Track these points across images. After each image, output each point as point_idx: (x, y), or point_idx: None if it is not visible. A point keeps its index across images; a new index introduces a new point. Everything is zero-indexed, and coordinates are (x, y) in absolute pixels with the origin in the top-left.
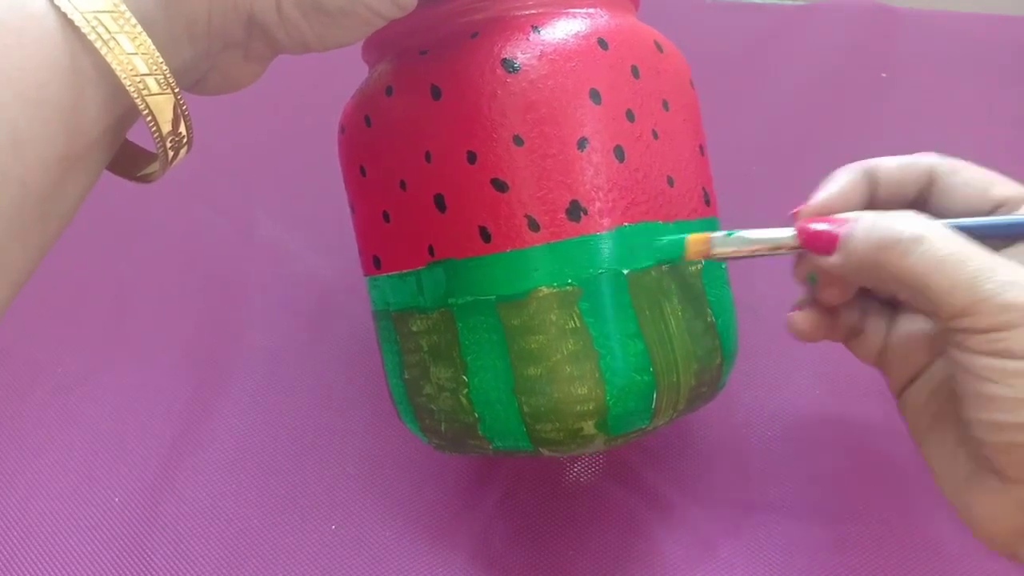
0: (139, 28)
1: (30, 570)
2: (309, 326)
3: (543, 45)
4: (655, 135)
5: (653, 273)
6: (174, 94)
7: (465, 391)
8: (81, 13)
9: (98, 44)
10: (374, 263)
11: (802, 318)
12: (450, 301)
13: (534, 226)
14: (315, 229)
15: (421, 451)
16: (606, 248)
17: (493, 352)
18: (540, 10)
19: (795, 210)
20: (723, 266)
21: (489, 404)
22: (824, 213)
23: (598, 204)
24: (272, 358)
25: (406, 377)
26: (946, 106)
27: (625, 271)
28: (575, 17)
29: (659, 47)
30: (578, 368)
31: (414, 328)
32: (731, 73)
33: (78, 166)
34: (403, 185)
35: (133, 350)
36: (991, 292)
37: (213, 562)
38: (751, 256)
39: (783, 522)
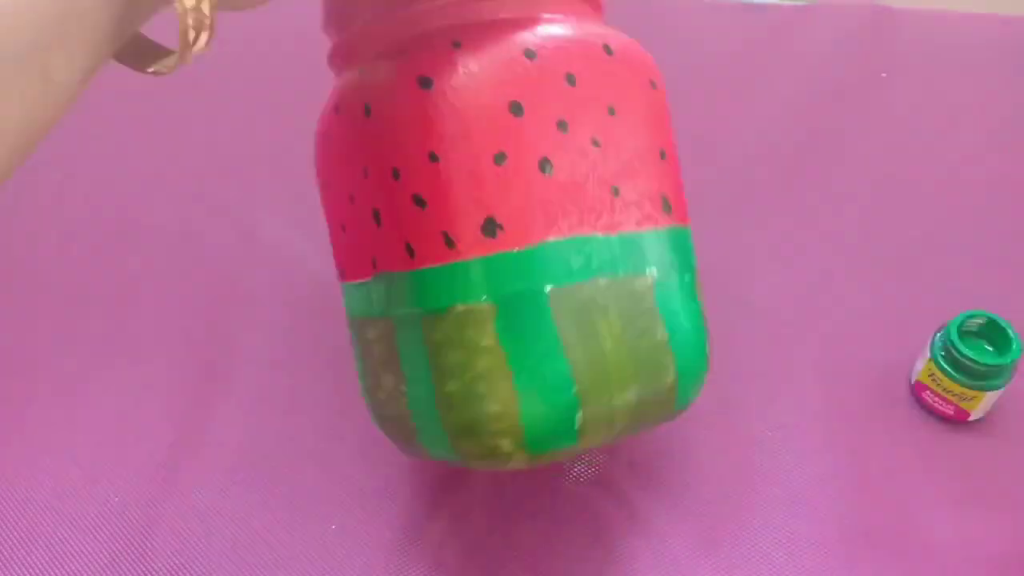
0: None
1: (30, 570)
2: (309, 327)
3: (461, 60)
4: (595, 143)
5: (585, 288)
6: None
7: (404, 400)
8: None
9: None
10: (340, 272)
11: None
12: (390, 312)
13: (450, 243)
14: (315, 231)
15: None
16: (524, 265)
17: (422, 365)
18: (471, 22)
19: None
20: (687, 278)
21: (421, 415)
22: None
23: (517, 219)
24: (272, 359)
25: (368, 382)
26: (946, 106)
27: (547, 288)
28: (503, 29)
29: (608, 50)
30: (491, 386)
31: (369, 335)
32: (731, 73)
33: (78, 26)
34: (351, 199)
35: (133, 350)
36: None
37: (213, 562)
38: None
39: (784, 521)
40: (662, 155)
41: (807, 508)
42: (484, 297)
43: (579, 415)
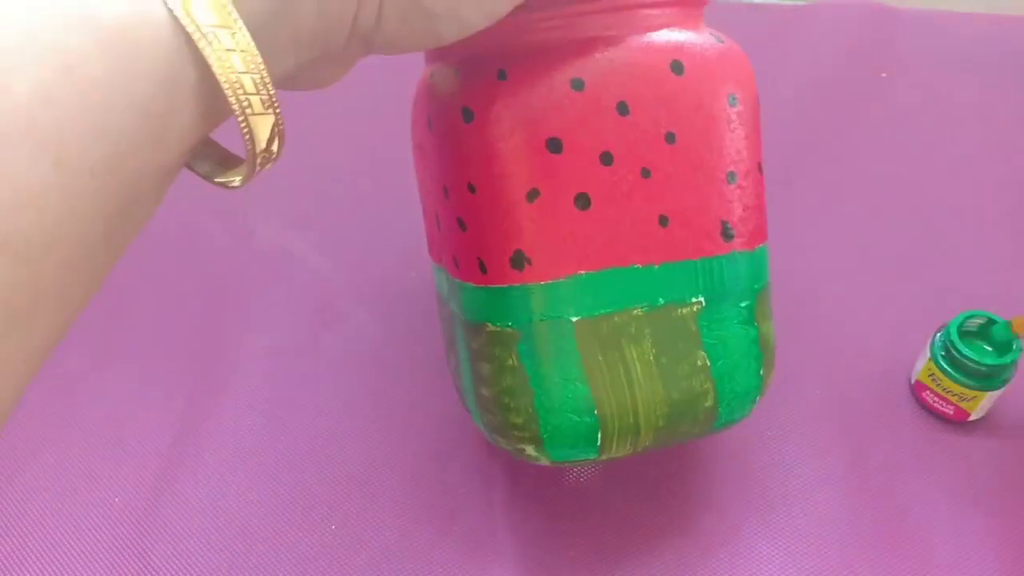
0: (252, 46)
1: (30, 570)
2: (308, 327)
3: (502, 94)
4: (645, 173)
5: (616, 319)
6: (275, 113)
7: (462, 381)
8: (198, 27)
9: (211, 61)
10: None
11: None
12: (451, 303)
13: (483, 269)
14: (315, 231)
15: (420, 451)
16: (550, 297)
17: (467, 363)
18: (530, 44)
19: None
20: (745, 303)
21: (470, 401)
22: None
23: (546, 254)
24: (272, 359)
25: (447, 350)
26: (946, 106)
27: (574, 318)
28: (556, 55)
29: (677, 69)
30: (515, 401)
31: (444, 313)
32: None
33: (169, 173)
34: (428, 192)
35: (133, 350)
36: None
37: (213, 562)
38: None
39: (784, 521)
40: (731, 177)
41: (807, 508)
42: (510, 323)
43: (600, 434)
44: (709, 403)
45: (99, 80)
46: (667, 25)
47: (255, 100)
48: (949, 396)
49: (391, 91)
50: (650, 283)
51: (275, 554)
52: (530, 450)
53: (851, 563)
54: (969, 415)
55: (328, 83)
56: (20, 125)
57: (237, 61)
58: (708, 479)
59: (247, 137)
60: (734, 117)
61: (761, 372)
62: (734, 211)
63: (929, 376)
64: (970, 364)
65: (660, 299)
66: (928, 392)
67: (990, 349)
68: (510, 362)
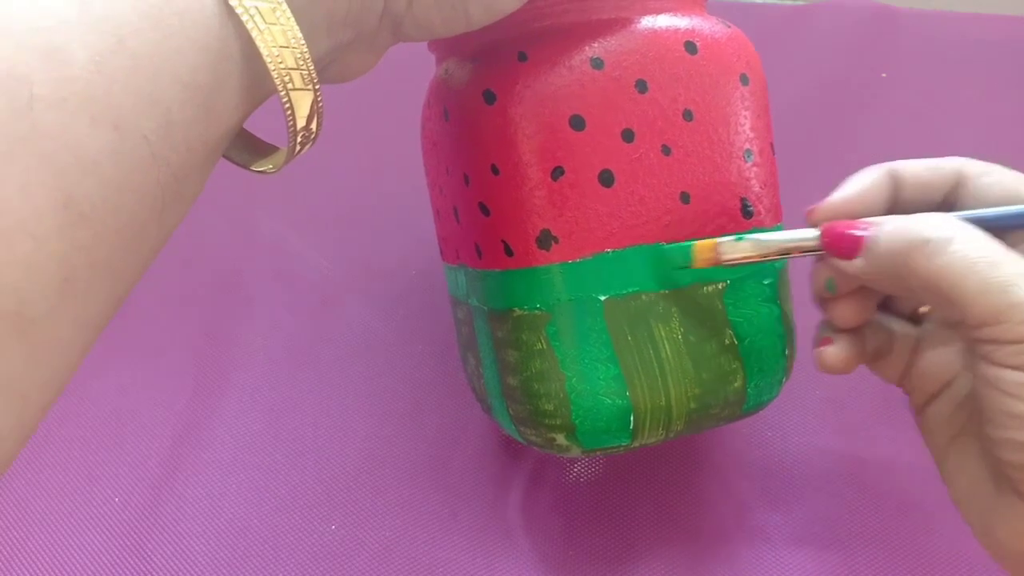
0: (293, 21)
1: (30, 570)
2: (309, 325)
3: (523, 75)
4: (665, 150)
5: (644, 297)
6: (315, 90)
7: (482, 380)
8: (241, 1)
9: (254, 34)
10: (440, 251)
11: (833, 353)
12: (469, 300)
13: (508, 252)
14: (316, 228)
15: (421, 451)
16: (578, 276)
17: (490, 355)
18: (546, 28)
19: (810, 208)
20: (768, 280)
21: (493, 397)
22: (844, 213)
23: (572, 232)
24: (272, 358)
25: (461, 354)
26: (946, 106)
27: (602, 297)
28: (574, 36)
29: (691, 48)
30: (545, 387)
31: (458, 315)
32: None
33: (214, 152)
34: (441, 191)
35: (133, 350)
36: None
37: (213, 562)
38: (764, 260)
39: (783, 521)
40: (747, 155)
41: (807, 508)
42: (538, 305)
43: (632, 417)
44: (738, 383)
45: (148, 51)
46: (674, 9)
47: (296, 75)
48: None
49: (394, 92)
50: (675, 261)
51: (275, 554)
52: (561, 439)
53: (851, 563)
54: None
55: (356, 74)
56: (79, 92)
57: (279, 36)
58: (708, 480)
59: (288, 113)
60: (747, 96)
61: (786, 352)
62: (752, 188)
63: None
64: None
65: (685, 278)
66: None
67: None
68: (539, 346)
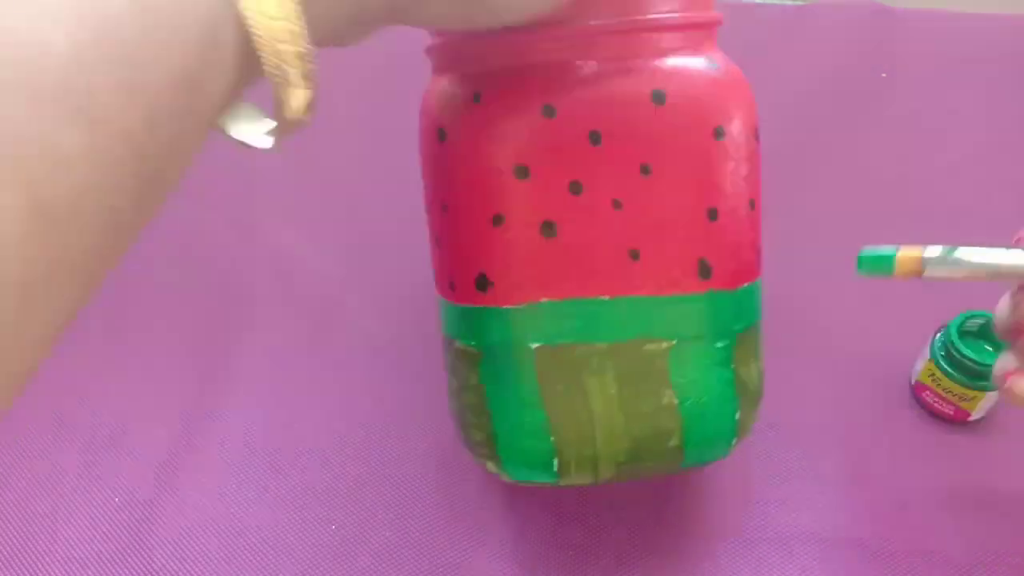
0: (295, 13)
1: (30, 570)
2: (310, 326)
3: (474, 117)
4: (616, 205)
5: (578, 349)
6: (310, 87)
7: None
8: None
9: (252, 25)
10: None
11: None
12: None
13: (451, 287)
14: (316, 230)
15: (421, 451)
16: (511, 322)
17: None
18: (507, 64)
19: (1022, 234)
20: (721, 343)
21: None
22: None
23: (508, 279)
24: (273, 358)
25: None
26: (946, 106)
27: (534, 345)
28: (528, 79)
29: (658, 99)
30: (476, 419)
31: None
32: None
33: (199, 139)
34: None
35: (134, 349)
36: None
37: (213, 562)
38: (969, 279)
39: (783, 522)
40: (711, 215)
41: (807, 508)
42: (473, 343)
43: (556, 461)
44: (674, 442)
45: (133, 43)
46: (663, 50)
47: (292, 72)
48: (949, 396)
49: (395, 92)
50: (616, 317)
51: (275, 554)
52: (491, 467)
53: (852, 563)
54: (969, 415)
55: (351, 43)
56: (57, 84)
57: (278, 29)
58: (708, 480)
59: (279, 105)
60: (719, 152)
61: (737, 415)
62: (713, 249)
63: (929, 376)
64: (970, 364)
65: (626, 334)
66: (928, 392)
67: (990, 349)
68: (472, 380)
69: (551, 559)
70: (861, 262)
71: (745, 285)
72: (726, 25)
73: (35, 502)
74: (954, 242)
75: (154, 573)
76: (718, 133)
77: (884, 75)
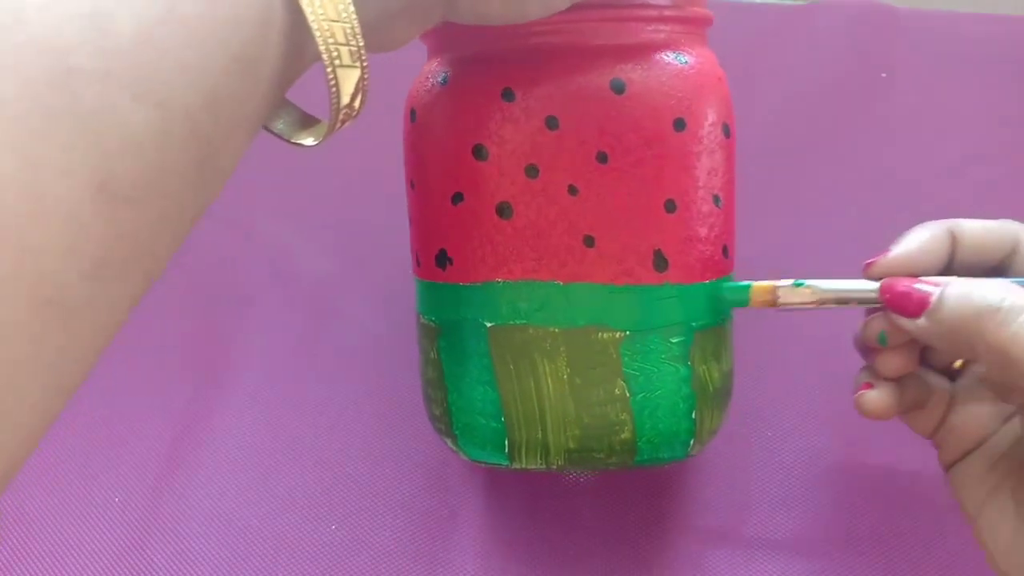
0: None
1: (30, 570)
2: (309, 326)
3: (440, 99)
4: (572, 190)
5: (531, 331)
6: (362, 67)
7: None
8: None
9: (304, 5)
10: None
11: (876, 398)
12: None
13: (417, 262)
14: (316, 230)
15: (421, 451)
16: (467, 299)
17: None
18: (479, 51)
19: (869, 261)
20: (677, 339)
21: None
22: (903, 269)
23: (466, 257)
24: (272, 358)
25: None
26: (946, 106)
27: (488, 324)
28: (492, 64)
29: (618, 88)
30: (435, 393)
31: None
32: (730, 73)
33: (255, 125)
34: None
35: (133, 350)
36: None
37: (213, 562)
38: (820, 307)
39: (783, 522)
40: (668, 206)
41: (807, 508)
42: (432, 318)
43: (507, 442)
44: (626, 435)
45: (196, 22)
46: (632, 42)
47: (344, 51)
48: None
49: (395, 92)
50: (570, 302)
51: (275, 554)
52: (450, 443)
53: (852, 563)
54: None
55: (399, 44)
56: (125, 65)
57: (330, 9)
58: (707, 480)
59: (333, 89)
60: (679, 144)
61: (693, 415)
62: (670, 242)
63: None
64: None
65: (579, 320)
66: None
67: None
68: (432, 355)
69: (551, 559)
70: (723, 295)
71: (706, 282)
72: (726, 24)
73: (35, 502)
74: None
75: (154, 573)
76: (678, 125)
77: (884, 75)
